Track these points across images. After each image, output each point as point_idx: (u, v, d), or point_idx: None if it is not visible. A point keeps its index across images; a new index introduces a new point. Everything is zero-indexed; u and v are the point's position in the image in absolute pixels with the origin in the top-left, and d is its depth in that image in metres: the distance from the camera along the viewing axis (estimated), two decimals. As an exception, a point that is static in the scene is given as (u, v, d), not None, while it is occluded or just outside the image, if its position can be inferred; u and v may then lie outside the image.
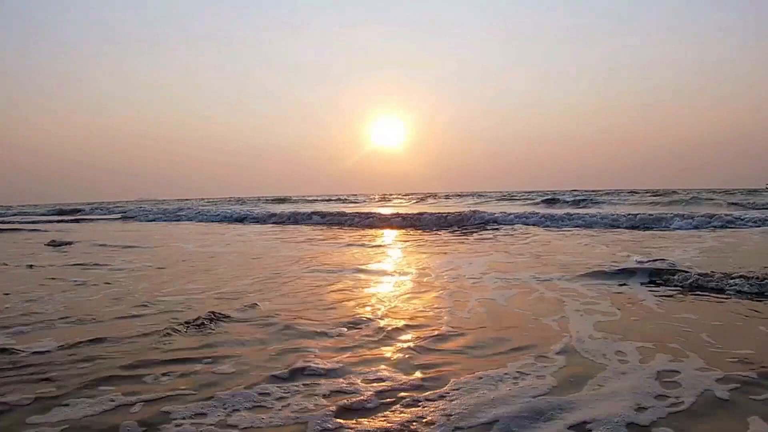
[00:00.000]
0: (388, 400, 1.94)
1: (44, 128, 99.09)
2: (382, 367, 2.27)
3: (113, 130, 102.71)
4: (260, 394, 1.99)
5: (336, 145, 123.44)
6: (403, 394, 1.99)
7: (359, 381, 2.12)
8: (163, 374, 2.20)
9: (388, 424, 1.75)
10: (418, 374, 2.19)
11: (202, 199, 54.34)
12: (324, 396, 1.98)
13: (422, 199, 33.07)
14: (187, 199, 53.89)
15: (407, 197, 38.33)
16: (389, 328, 2.88)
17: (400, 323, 2.97)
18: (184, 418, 1.79)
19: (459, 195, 38.75)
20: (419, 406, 1.88)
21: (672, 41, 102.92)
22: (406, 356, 2.42)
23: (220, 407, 1.88)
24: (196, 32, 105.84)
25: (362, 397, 1.95)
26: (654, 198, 21.56)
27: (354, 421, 1.78)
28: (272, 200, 38.10)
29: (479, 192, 43.78)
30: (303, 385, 2.09)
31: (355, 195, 47.41)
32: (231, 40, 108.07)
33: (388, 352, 2.49)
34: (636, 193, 30.23)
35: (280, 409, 1.87)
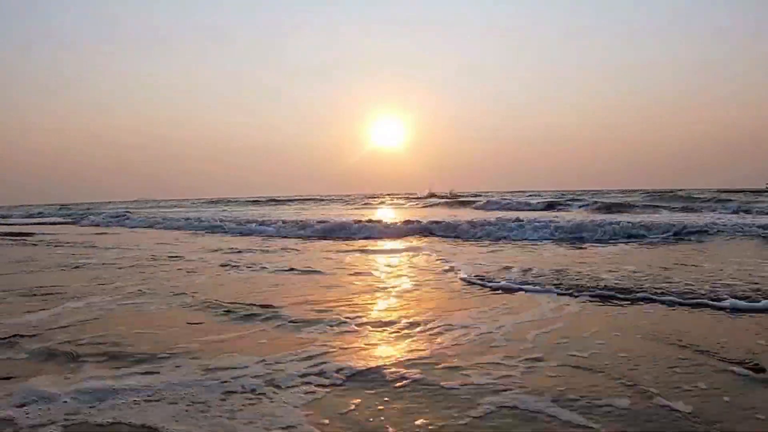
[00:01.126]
0: None
1: (44, 128, 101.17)
2: None
3: (113, 129, 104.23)
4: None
5: (336, 144, 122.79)
6: None
7: None
8: None
9: None
10: None
11: (201, 199, 54.23)
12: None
13: (381, 202, 31.55)
14: (186, 199, 53.87)
15: (384, 198, 37.00)
16: None
17: None
18: None
19: (457, 195, 37.41)
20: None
21: (672, 41, 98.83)
22: None
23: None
24: (197, 32, 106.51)
25: None
26: (623, 200, 19.78)
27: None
28: (251, 202, 37.37)
29: (479, 192, 42.52)
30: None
31: (331, 196, 46.44)
32: (231, 39, 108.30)
33: None
34: (634, 192, 28.65)
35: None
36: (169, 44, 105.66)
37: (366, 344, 2.60)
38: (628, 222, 8.50)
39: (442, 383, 2.04)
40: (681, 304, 3.33)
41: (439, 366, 2.24)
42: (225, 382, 2.06)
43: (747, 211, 12.21)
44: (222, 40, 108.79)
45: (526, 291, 3.85)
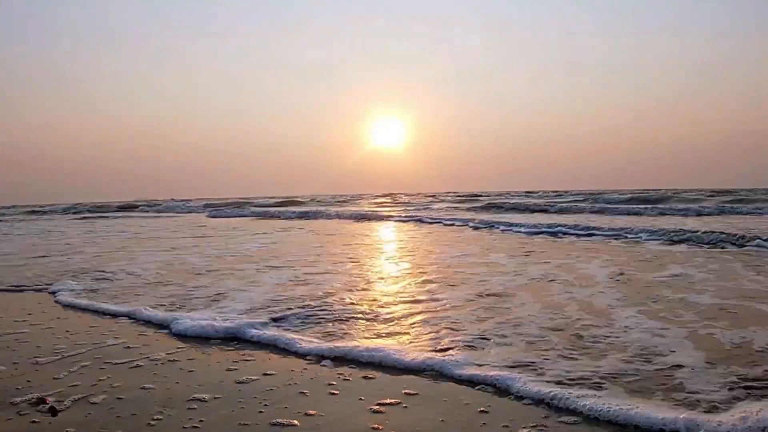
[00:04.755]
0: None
1: (43, 128, 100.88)
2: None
3: (112, 129, 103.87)
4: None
5: (336, 144, 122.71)
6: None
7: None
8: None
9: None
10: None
11: (201, 199, 54.33)
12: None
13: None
14: (186, 200, 53.95)
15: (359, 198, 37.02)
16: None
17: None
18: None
19: (456, 195, 37.52)
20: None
21: (672, 41, 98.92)
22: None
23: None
24: (196, 32, 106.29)
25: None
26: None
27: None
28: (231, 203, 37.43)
29: (478, 192, 42.65)
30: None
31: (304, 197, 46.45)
32: (231, 39, 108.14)
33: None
34: (628, 192, 28.63)
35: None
36: (169, 44, 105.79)
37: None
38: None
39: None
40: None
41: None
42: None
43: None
44: (222, 40, 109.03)
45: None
